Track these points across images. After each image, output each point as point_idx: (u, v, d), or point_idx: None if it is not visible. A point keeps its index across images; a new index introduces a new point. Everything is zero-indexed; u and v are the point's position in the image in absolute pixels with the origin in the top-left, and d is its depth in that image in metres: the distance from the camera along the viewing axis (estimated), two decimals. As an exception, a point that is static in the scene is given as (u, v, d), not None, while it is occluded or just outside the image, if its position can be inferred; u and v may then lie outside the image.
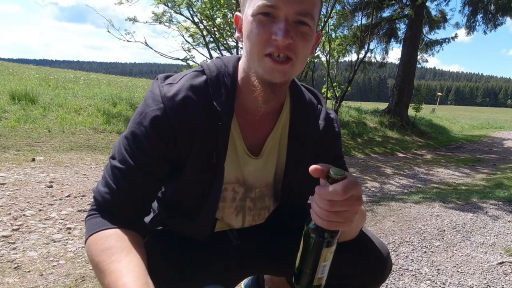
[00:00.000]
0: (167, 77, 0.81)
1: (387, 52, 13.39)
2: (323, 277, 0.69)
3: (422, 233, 2.56)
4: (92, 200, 0.80)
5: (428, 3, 12.00)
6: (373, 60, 12.88)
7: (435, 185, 4.54)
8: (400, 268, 2.00)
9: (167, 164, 0.79)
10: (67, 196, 2.74)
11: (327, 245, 0.66)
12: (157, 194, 0.87)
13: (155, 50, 7.28)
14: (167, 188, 0.89)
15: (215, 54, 7.38)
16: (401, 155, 7.53)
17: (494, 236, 2.56)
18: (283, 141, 0.89)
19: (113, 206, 0.77)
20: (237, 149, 0.84)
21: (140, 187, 0.77)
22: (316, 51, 8.23)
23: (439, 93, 26.96)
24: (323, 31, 7.82)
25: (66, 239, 2.06)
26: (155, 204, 0.94)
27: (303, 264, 0.68)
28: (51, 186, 2.93)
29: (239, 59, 0.84)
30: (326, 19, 7.64)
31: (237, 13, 0.82)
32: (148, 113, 0.75)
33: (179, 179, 0.82)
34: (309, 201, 1.03)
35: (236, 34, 0.82)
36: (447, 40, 13.18)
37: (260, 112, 0.81)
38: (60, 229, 2.18)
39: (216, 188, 0.82)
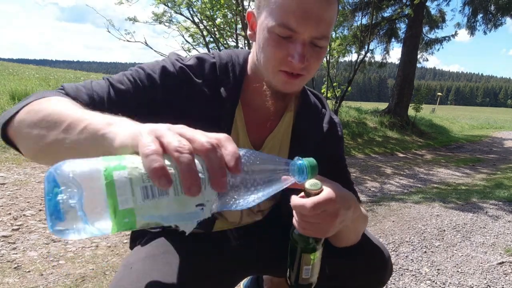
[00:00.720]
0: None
1: (387, 52, 13.39)
2: (309, 278, 0.71)
3: (422, 233, 2.56)
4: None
5: (428, 3, 12.00)
6: (373, 60, 12.89)
7: (435, 185, 4.54)
8: (400, 268, 2.00)
9: (146, 109, 0.75)
10: (67, 196, 2.75)
11: (308, 251, 0.68)
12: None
13: (155, 50, 7.29)
14: None
15: (215, 54, 7.36)
16: (401, 155, 7.52)
17: (494, 236, 2.56)
18: (285, 141, 0.90)
19: (79, 102, 0.68)
20: (240, 141, 0.85)
21: (115, 107, 0.70)
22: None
23: (439, 93, 26.96)
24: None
25: (66, 239, 2.06)
26: None
27: (289, 263, 0.72)
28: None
29: (249, 53, 0.86)
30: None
31: (249, 10, 0.82)
32: (158, 62, 0.78)
33: None
34: None
35: (248, 32, 0.83)
36: (447, 38, 13.18)
37: (261, 110, 0.83)
38: (60, 229, 2.18)
39: None
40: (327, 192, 0.63)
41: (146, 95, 0.75)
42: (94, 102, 0.69)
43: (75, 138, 0.49)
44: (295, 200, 0.63)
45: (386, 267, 0.95)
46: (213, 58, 0.82)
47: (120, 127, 0.45)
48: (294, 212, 0.66)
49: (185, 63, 0.79)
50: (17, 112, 0.59)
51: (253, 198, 0.48)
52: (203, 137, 0.42)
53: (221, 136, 0.43)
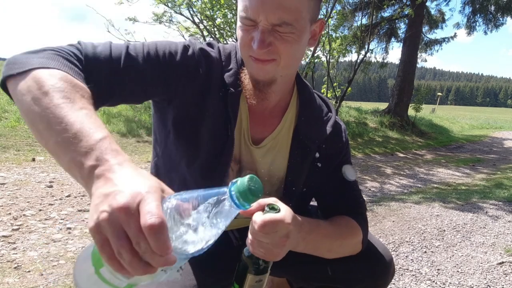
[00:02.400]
0: None
1: (387, 52, 13.40)
2: None
3: (422, 233, 2.56)
4: (76, 49, 0.68)
5: (428, 3, 12.00)
6: (373, 60, 12.88)
7: (435, 185, 4.54)
8: (400, 268, 2.00)
9: (162, 88, 0.76)
10: (67, 196, 2.74)
11: (255, 272, 0.69)
12: (118, 102, 0.76)
13: (155, 50, 7.28)
14: (181, 154, 0.85)
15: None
16: (401, 155, 7.52)
17: (494, 236, 2.56)
18: (285, 142, 0.90)
19: (94, 66, 0.67)
20: (242, 131, 0.86)
21: (128, 78, 0.72)
22: (317, 51, 8.24)
23: (439, 93, 26.95)
24: (323, 31, 7.82)
25: (66, 239, 2.06)
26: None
27: (234, 277, 0.73)
28: (51, 186, 2.93)
29: None
30: (326, 19, 7.64)
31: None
32: (179, 42, 0.81)
33: (194, 142, 0.82)
34: (313, 203, 1.03)
35: None
36: (446, 39, 13.19)
37: (253, 105, 0.84)
38: (60, 229, 2.18)
39: (226, 156, 0.83)
40: (283, 214, 0.66)
41: (163, 70, 0.76)
42: (110, 67, 0.68)
43: (68, 158, 0.50)
44: (253, 217, 0.66)
45: (388, 270, 0.95)
46: (218, 45, 0.87)
47: (96, 183, 0.46)
48: (249, 231, 0.68)
49: (205, 47, 0.83)
50: (22, 73, 0.57)
51: (208, 237, 0.47)
52: (135, 235, 0.41)
53: (154, 223, 0.40)
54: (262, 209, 0.67)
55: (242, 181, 0.49)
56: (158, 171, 0.93)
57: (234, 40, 7.14)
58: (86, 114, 0.53)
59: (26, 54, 0.61)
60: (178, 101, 0.80)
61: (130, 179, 0.45)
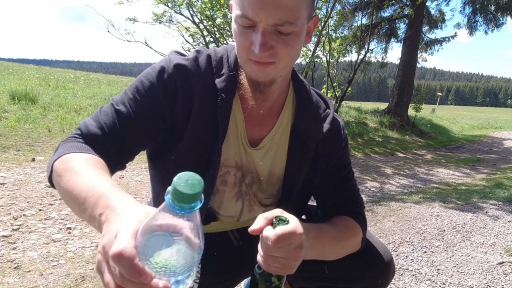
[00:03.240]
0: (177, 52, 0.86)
1: (387, 52, 13.40)
2: None
3: (422, 233, 2.56)
4: (76, 129, 0.79)
5: (428, 3, 12.00)
6: (373, 60, 12.88)
7: (435, 185, 4.54)
8: (400, 268, 2.00)
9: (162, 122, 0.80)
10: (67, 196, 2.75)
11: (266, 286, 0.66)
12: (139, 149, 0.83)
13: (155, 50, 7.29)
14: (165, 167, 0.87)
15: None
16: (401, 155, 7.52)
17: (494, 236, 2.56)
18: (283, 141, 0.89)
19: (94, 140, 0.75)
20: (239, 135, 0.85)
21: (127, 133, 0.77)
22: (316, 51, 8.23)
23: (439, 93, 26.93)
24: (323, 31, 7.82)
25: (66, 239, 2.06)
26: (151, 203, 0.94)
27: None
28: (51, 186, 2.93)
29: None
30: (326, 19, 7.64)
31: (231, 2, 0.83)
32: (155, 66, 0.80)
33: (177, 153, 0.82)
34: (312, 202, 1.03)
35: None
36: (446, 39, 13.18)
37: (250, 107, 0.82)
38: (60, 229, 2.18)
39: (214, 166, 0.82)
40: (293, 224, 0.63)
41: (156, 108, 0.78)
42: (106, 134, 0.76)
43: (87, 217, 0.60)
44: (263, 232, 0.63)
45: (388, 269, 0.95)
46: (209, 51, 0.85)
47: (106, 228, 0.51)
48: (259, 246, 0.65)
49: (180, 60, 0.80)
50: (52, 170, 0.72)
51: (184, 249, 0.45)
52: (111, 266, 0.45)
53: (115, 251, 0.43)
54: (270, 223, 0.64)
55: (172, 182, 0.43)
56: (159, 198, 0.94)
57: (234, 41, 7.14)
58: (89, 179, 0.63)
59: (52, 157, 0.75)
60: (177, 125, 0.80)
61: (117, 220, 0.50)
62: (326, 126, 0.88)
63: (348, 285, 0.94)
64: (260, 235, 0.64)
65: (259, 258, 0.66)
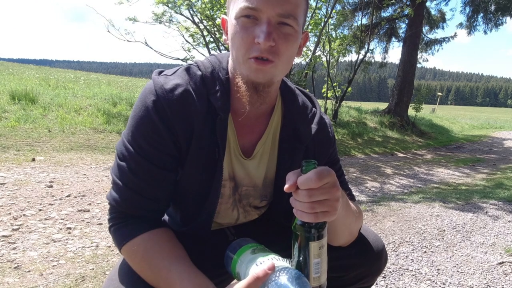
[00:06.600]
0: (161, 72, 0.82)
1: (387, 52, 13.41)
2: (319, 277, 0.68)
3: (422, 233, 2.56)
4: (109, 207, 0.81)
5: (428, 3, 12.01)
6: (373, 60, 12.89)
7: (435, 185, 4.54)
8: (400, 268, 2.00)
9: (173, 154, 0.78)
10: (67, 196, 2.74)
11: (315, 238, 0.65)
12: (172, 187, 0.82)
13: (155, 50, 7.29)
14: None
15: (215, 54, 7.39)
16: (401, 155, 7.53)
17: (494, 236, 2.56)
18: (274, 146, 0.89)
19: (128, 207, 0.77)
20: (231, 147, 0.84)
21: (151, 181, 0.76)
22: (317, 51, 8.23)
23: (439, 93, 26.94)
24: (324, 31, 7.83)
25: (66, 239, 2.06)
26: None
27: (296, 266, 0.68)
28: (51, 186, 2.93)
29: (229, 56, 0.84)
30: (326, 19, 7.64)
31: (223, 16, 0.82)
32: (148, 104, 0.75)
33: (181, 177, 0.82)
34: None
35: (224, 37, 0.82)
36: (446, 39, 13.20)
37: (245, 114, 0.81)
38: (60, 229, 2.18)
39: (216, 184, 0.82)
40: (321, 166, 0.63)
41: (164, 145, 0.76)
42: (144, 198, 0.78)
43: None
44: (300, 179, 0.62)
45: (380, 256, 0.98)
46: (199, 69, 0.81)
47: None
48: (296, 202, 0.64)
49: (175, 94, 0.76)
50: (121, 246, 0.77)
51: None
52: None
53: None
54: (299, 175, 0.63)
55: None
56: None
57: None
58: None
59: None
60: (180, 152, 0.79)
61: None
62: (314, 127, 0.88)
63: (341, 273, 0.96)
64: (292, 192, 0.63)
65: (299, 213, 0.64)
